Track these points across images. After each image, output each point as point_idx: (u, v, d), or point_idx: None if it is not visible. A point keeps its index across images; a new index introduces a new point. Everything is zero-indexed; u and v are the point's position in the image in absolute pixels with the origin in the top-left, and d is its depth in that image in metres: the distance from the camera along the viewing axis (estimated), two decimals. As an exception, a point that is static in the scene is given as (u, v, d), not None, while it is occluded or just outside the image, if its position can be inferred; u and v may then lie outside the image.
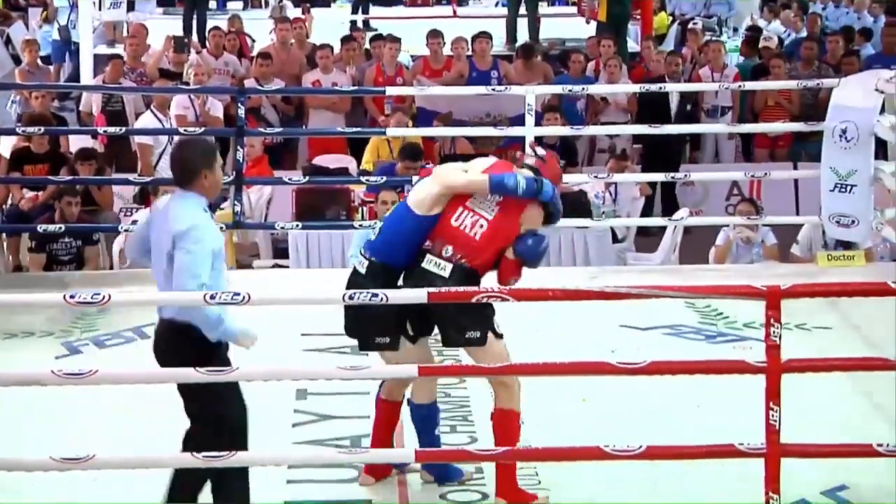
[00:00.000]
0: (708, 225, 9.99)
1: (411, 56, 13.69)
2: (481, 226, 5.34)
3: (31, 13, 19.60)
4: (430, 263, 5.29)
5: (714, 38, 14.59)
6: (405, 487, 5.51)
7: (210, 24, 14.50)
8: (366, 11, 18.75)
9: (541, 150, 5.53)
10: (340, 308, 5.49)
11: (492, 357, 5.36)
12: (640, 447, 5.05)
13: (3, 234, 9.92)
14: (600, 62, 12.82)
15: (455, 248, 5.31)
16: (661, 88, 11.02)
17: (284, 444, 5.90)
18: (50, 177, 9.68)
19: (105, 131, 10.18)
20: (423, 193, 5.41)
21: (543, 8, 17.34)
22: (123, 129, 10.70)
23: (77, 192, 9.39)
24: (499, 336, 5.44)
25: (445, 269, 5.28)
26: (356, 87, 11.97)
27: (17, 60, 15.87)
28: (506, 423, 5.41)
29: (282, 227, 9.00)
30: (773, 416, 4.96)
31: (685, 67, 13.69)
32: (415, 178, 9.34)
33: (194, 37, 14.56)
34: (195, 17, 15.33)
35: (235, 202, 8.76)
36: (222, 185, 5.42)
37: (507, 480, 5.37)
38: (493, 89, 10.36)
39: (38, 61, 13.99)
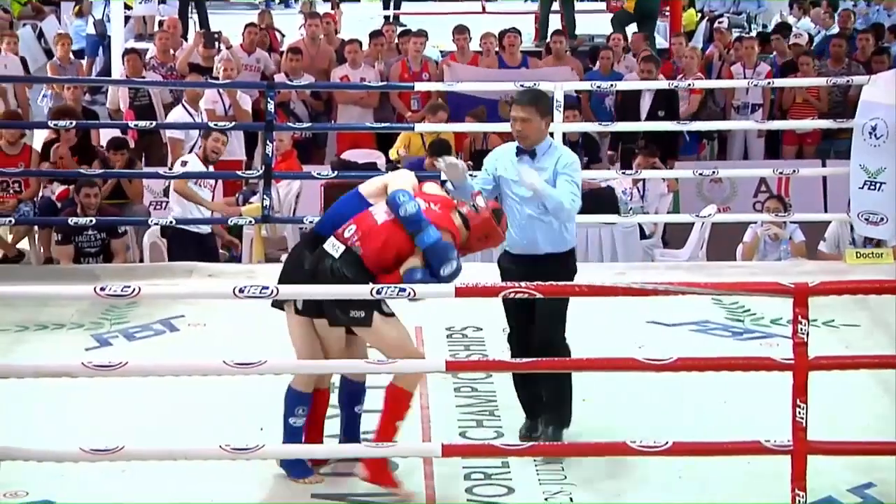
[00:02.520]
0: (736, 222, 9.95)
1: (440, 51, 13.67)
2: (388, 214, 5.39)
3: (63, 7, 19.67)
4: (328, 244, 5.40)
5: (747, 35, 14.49)
6: (432, 481, 5.52)
7: (245, 20, 14.58)
8: (397, 7, 18.77)
9: (481, 202, 5.53)
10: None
11: (383, 339, 5.41)
12: (666, 443, 5.05)
13: (35, 227, 9.97)
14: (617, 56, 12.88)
15: (357, 228, 5.38)
16: (690, 85, 10.98)
17: (312, 437, 5.91)
18: (80, 170, 9.70)
19: (136, 125, 10.20)
20: (376, 182, 5.61)
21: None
22: (154, 122, 10.73)
23: (95, 184, 9.40)
24: (389, 315, 5.45)
25: (338, 251, 5.36)
26: (384, 83, 11.96)
27: (49, 54, 15.94)
28: (399, 400, 5.41)
29: (310, 222, 9.00)
30: (799, 413, 4.95)
31: (714, 64, 13.65)
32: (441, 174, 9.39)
33: (191, 32, 14.55)
34: (196, 11, 15.40)
35: (264, 196, 8.79)
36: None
37: (378, 461, 5.37)
38: (522, 84, 10.33)
39: (71, 55, 14.04)
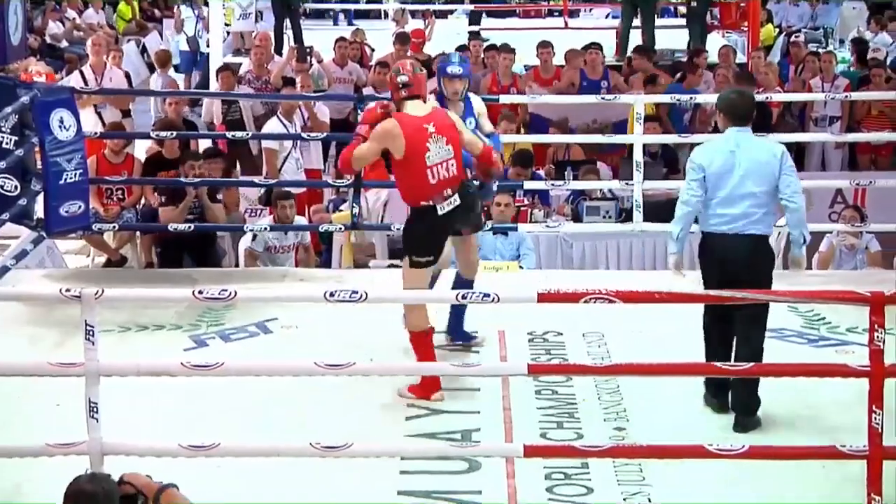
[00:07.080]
0: (811, 231, 9.80)
1: (524, 66, 13.67)
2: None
3: (165, 24, 19.96)
4: None
5: (824, 49, 14.33)
6: (513, 480, 5.50)
7: (336, 34, 14.69)
8: (477, 23, 18.86)
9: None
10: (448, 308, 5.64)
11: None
12: (743, 447, 4.99)
13: (137, 233, 10.09)
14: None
15: None
16: (768, 99, 10.87)
17: (398, 436, 5.93)
18: (179, 178, 9.79)
19: (233, 135, 10.29)
20: None
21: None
22: (250, 133, 10.82)
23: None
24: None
25: None
26: (469, 96, 11.95)
27: (151, 68, 16.17)
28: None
29: (398, 229, 9.02)
30: (875, 419, 4.87)
31: (789, 79, 13.51)
32: (525, 184, 9.39)
33: (285, 46, 14.66)
34: (291, 27, 15.57)
35: (354, 204, 8.83)
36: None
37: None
38: (603, 98, 10.32)
39: (171, 70, 14.22)
